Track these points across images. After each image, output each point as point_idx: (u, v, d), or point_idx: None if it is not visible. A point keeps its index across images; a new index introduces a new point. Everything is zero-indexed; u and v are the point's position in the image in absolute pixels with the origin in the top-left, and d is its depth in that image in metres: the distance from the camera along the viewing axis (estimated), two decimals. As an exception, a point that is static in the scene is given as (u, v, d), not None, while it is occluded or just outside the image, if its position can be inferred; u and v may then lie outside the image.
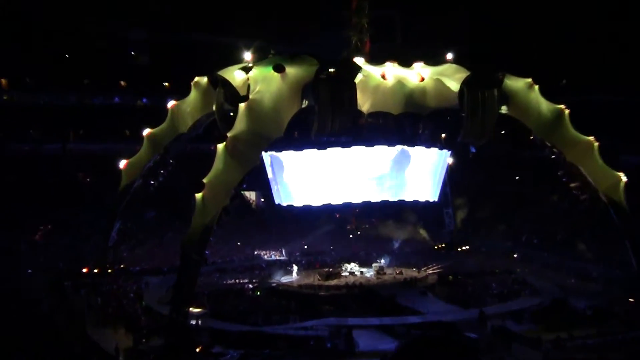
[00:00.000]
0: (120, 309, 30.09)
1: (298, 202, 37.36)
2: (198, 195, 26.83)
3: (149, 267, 39.83)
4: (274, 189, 37.98)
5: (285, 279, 39.12)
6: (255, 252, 47.34)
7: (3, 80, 56.76)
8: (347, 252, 47.03)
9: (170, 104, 35.21)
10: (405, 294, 34.46)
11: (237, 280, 39.02)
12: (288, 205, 37.84)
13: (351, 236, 52.72)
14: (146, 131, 35.79)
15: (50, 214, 45.01)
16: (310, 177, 36.70)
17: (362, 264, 41.98)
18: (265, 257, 46.44)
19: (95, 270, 36.31)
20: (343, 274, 39.55)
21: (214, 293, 34.46)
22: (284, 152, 35.78)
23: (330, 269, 40.06)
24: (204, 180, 26.98)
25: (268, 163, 36.70)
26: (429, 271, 40.90)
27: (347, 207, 42.29)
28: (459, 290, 36.68)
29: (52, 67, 55.79)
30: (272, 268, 42.12)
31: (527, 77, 32.44)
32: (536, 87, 32.33)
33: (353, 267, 40.81)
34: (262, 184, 40.03)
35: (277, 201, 38.33)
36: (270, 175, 37.18)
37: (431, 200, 39.75)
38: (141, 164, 35.49)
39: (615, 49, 52.59)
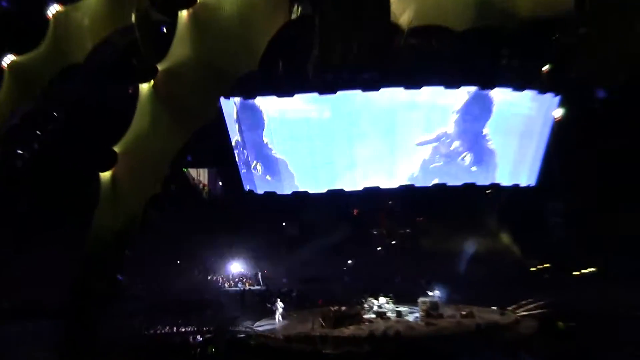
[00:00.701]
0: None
1: (285, 188, 35.00)
2: (105, 176, 26.22)
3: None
4: (242, 165, 36.60)
5: (262, 326, 35.58)
6: (209, 278, 46.87)
7: None
8: (372, 278, 45.52)
9: (53, 9, 33.73)
10: (479, 354, 30.33)
11: (175, 329, 35.30)
12: (267, 194, 36.29)
13: (379, 248, 52.18)
14: (6, 59, 34.45)
15: None
16: (308, 143, 33.63)
17: (400, 298, 38.97)
18: (227, 286, 46.10)
19: None
20: (366, 315, 36.07)
21: (134, 350, 31.75)
22: (262, 99, 32.91)
23: (344, 307, 35.93)
24: (116, 149, 26.23)
25: (232, 117, 34.52)
26: (522, 312, 37.17)
27: (371, 197, 40.15)
28: (578, 347, 31.86)
29: None
30: (238, 305, 40.59)
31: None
32: None
33: (383, 303, 37.57)
34: (221, 158, 40.79)
35: (247, 186, 37.15)
36: (237, 139, 35.30)
37: (525, 184, 37.41)
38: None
39: None
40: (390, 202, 49.64)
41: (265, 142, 34.83)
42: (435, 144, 33.84)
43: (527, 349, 32.18)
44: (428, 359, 31.02)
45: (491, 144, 35.00)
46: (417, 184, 34.97)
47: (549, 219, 47.75)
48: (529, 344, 32.96)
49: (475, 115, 33.70)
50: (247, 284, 46.61)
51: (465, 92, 33.14)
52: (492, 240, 49.50)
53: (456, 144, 34.01)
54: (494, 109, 34.00)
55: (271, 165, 35.19)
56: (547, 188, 42.09)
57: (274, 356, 32.06)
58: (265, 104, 33.40)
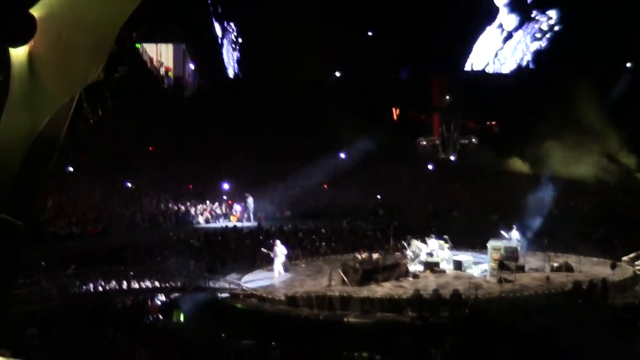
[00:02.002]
0: None
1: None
2: (17, 54, 16.22)
3: None
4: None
5: (254, 280, 36.45)
6: (176, 208, 47.94)
7: None
8: (416, 208, 48.37)
9: None
10: (578, 326, 28.79)
11: (125, 285, 34.43)
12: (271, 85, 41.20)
13: (430, 166, 55.42)
14: None
15: None
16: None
17: (460, 240, 39.74)
18: (201, 220, 47.51)
19: None
20: (409, 266, 36.42)
21: (62, 318, 30.45)
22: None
23: (375, 254, 36.14)
24: (34, 13, 16.10)
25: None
26: None
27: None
28: None
29: None
30: (218, 249, 41.03)
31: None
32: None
33: (435, 249, 37.58)
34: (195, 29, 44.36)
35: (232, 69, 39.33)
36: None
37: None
38: None
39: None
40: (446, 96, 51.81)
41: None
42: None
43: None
44: (501, 333, 29.30)
45: None
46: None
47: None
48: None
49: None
50: (231, 217, 46.57)
51: None
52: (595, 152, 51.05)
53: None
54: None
55: None
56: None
57: (272, 325, 31.72)
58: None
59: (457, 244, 39.02)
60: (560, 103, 55.89)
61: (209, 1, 45.50)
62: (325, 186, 52.14)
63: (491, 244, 36.63)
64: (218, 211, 47.81)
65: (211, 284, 35.69)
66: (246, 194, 48.18)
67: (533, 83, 60.32)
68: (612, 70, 63.01)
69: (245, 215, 47.18)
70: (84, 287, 34.02)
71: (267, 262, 37.93)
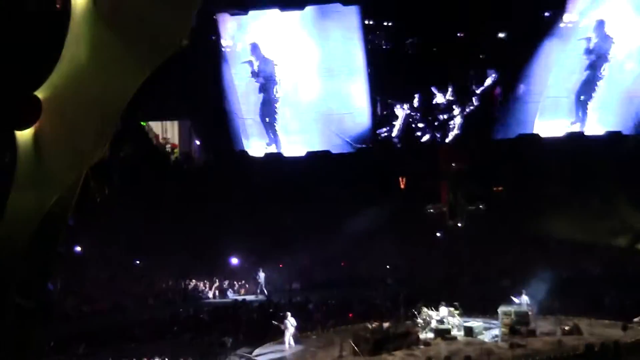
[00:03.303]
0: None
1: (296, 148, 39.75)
2: (23, 136, 19.67)
3: None
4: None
5: (266, 354, 35.98)
6: (184, 284, 48.02)
7: None
8: (427, 279, 47.44)
9: None
10: None
11: None
12: (269, 156, 41.29)
13: (438, 234, 56.15)
14: None
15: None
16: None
17: (470, 307, 39.36)
18: (211, 296, 47.16)
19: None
20: (420, 334, 36.17)
21: None
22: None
23: (386, 324, 35.89)
24: (39, 95, 19.22)
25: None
26: None
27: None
28: None
29: None
30: (230, 324, 40.19)
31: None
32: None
33: (446, 316, 37.51)
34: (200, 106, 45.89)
35: (241, 146, 41.63)
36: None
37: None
38: None
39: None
40: (452, 163, 50.10)
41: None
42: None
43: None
44: None
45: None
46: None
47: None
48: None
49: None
50: (241, 292, 46.55)
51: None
52: (610, 218, 49.52)
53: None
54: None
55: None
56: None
57: None
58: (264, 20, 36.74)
59: (468, 311, 38.59)
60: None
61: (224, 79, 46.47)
62: (342, 263, 51.79)
63: (502, 309, 36.58)
64: (226, 286, 47.42)
65: (223, 359, 35.20)
66: (259, 268, 47.74)
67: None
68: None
69: (259, 290, 46.78)
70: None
71: (277, 335, 37.11)
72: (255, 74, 52.79)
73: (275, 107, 54.31)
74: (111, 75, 27.22)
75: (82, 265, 44.48)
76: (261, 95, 54.12)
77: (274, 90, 54.02)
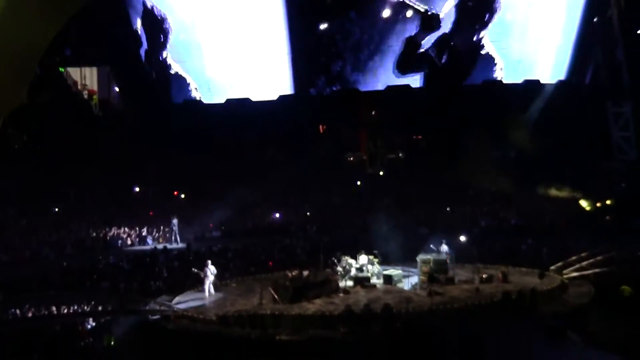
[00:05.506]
0: None
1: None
2: None
3: None
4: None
5: (185, 301, 35.54)
6: (103, 232, 47.78)
7: None
8: (347, 226, 48.39)
9: None
10: (508, 336, 29.14)
11: (54, 310, 33.51)
12: (188, 103, 40.35)
13: (358, 182, 56.31)
14: None
15: None
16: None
17: (389, 255, 39.48)
18: (129, 242, 47.27)
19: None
20: (340, 282, 36.75)
21: None
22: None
23: (306, 272, 36.29)
24: None
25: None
26: (571, 272, 38.26)
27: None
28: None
29: None
30: (148, 272, 40.53)
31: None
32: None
33: (365, 264, 37.93)
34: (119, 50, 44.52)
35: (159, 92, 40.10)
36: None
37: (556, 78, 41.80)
38: None
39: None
40: (372, 112, 51.37)
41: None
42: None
43: (578, 327, 30.93)
44: (432, 347, 29.04)
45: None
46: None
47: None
48: (581, 319, 32.24)
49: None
50: (159, 239, 46.55)
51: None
52: (527, 169, 50.76)
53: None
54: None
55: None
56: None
57: (204, 345, 31.39)
58: None
59: (387, 259, 39.13)
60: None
61: (136, 25, 45.72)
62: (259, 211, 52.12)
63: (420, 257, 37.04)
64: (145, 233, 47.38)
65: (142, 307, 34.81)
66: (171, 216, 47.88)
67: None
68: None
69: (173, 238, 46.83)
70: (11, 313, 33.58)
71: (197, 283, 37.07)
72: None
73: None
74: (28, 22, 26.87)
75: (1, 214, 44.34)
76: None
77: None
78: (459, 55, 54.77)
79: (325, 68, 54.71)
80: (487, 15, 53.06)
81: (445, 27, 53.55)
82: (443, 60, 54.24)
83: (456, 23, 52.81)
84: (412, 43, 53.47)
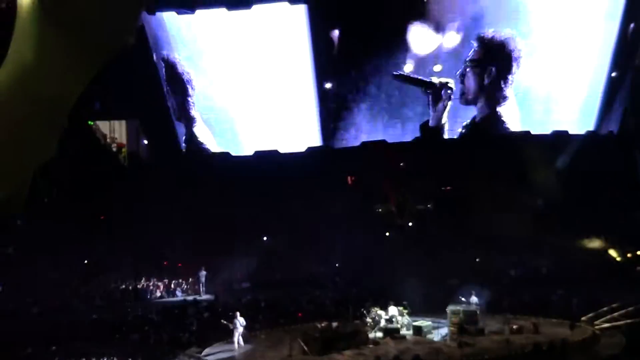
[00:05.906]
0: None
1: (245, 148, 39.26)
2: None
3: None
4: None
5: (215, 353, 35.56)
6: (132, 284, 47.72)
7: None
8: (377, 279, 47.33)
9: None
10: None
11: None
12: (217, 155, 41.24)
13: (387, 234, 56.63)
14: None
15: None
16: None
17: (419, 307, 39.46)
18: (159, 295, 47.30)
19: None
20: (369, 334, 36.17)
21: None
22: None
23: (335, 323, 35.93)
24: None
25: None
26: (602, 324, 37.38)
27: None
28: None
29: None
30: (178, 324, 39.87)
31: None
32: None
33: (395, 315, 37.73)
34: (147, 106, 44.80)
35: (186, 144, 41.74)
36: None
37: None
38: None
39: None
40: (400, 163, 50.33)
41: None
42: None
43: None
44: None
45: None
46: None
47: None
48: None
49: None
50: (189, 292, 46.26)
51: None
52: (557, 219, 49.70)
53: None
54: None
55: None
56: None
57: None
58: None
59: (416, 310, 38.82)
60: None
61: (163, 79, 45.95)
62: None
63: (450, 308, 36.90)
64: (174, 285, 47.19)
65: (171, 359, 34.77)
66: (200, 267, 47.79)
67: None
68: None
69: (201, 289, 46.68)
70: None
71: (227, 334, 36.86)
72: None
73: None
74: (58, 74, 30.06)
75: (31, 266, 44.13)
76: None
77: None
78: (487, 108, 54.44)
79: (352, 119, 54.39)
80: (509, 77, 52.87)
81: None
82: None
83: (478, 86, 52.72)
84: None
